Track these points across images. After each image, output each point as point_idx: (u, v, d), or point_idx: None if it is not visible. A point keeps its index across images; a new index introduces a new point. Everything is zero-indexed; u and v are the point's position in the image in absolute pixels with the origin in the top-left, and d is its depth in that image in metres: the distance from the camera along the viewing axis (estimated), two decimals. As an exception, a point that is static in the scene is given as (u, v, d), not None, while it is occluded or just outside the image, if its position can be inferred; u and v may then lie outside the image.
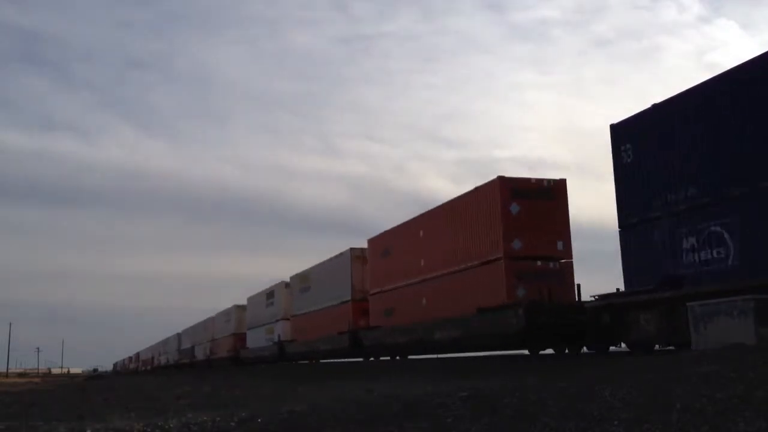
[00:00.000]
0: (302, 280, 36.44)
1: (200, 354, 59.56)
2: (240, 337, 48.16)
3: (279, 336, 39.07)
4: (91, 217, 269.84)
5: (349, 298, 29.26)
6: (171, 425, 9.19)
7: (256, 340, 44.01)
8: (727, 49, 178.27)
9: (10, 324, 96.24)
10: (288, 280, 39.72)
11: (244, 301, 52.21)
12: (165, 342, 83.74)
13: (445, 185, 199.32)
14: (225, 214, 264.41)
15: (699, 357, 8.79)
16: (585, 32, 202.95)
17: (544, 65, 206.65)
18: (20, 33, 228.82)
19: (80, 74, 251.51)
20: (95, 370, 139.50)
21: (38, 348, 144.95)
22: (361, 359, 28.57)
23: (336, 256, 31.57)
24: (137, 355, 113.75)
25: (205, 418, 9.89)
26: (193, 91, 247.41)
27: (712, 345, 10.77)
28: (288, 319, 38.19)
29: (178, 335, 73.08)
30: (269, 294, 42.53)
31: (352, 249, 29.56)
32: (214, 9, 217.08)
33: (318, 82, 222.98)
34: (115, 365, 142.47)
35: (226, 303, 63.85)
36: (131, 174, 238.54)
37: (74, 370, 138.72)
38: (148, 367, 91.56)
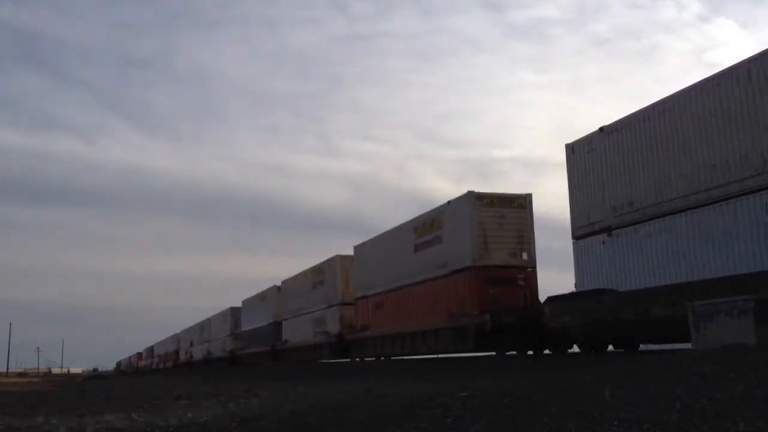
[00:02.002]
0: None
1: (296, 335, 36.20)
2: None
3: None
4: (91, 216, 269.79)
5: None
6: (171, 424, 9.21)
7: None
8: (727, 49, 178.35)
9: (10, 324, 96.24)
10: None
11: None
12: (201, 326, 60.40)
13: (444, 185, 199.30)
14: (224, 214, 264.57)
15: (699, 357, 8.80)
16: (584, 31, 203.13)
17: (543, 64, 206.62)
18: (19, 32, 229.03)
19: (79, 74, 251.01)
20: (95, 369, 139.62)
21: (38, 348, 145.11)
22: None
23: None
24: (150, 349, 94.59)
25: (205, 417, 9.91)
26: (193, 90, 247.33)
27: (711, 345, 10.78)
28: None
29: (232, 310, 50.60)
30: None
31: None
32: (213, 9, 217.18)
33: (317, 81, 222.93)
34: (118, 364, 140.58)
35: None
36: (131, 173, 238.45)
37: (74, 370, 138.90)
38: (169, 364, 72.94)
